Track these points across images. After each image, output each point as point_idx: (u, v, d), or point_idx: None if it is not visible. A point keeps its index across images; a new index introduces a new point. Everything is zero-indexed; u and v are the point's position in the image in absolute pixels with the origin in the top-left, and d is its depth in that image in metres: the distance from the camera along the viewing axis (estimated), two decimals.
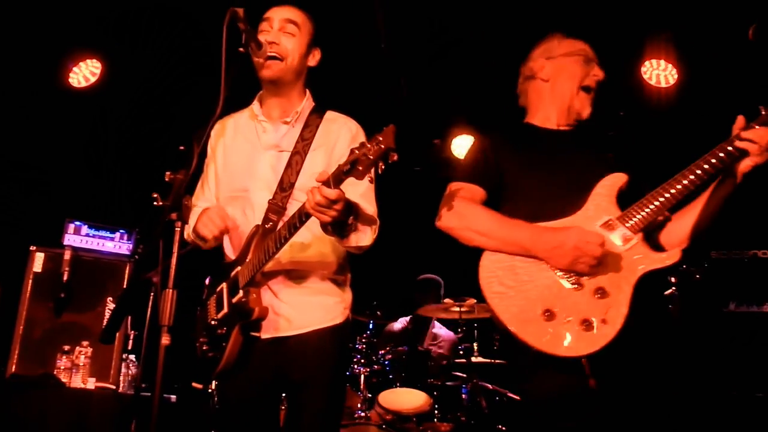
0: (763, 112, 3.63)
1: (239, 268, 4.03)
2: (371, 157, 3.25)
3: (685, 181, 3.64)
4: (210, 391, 7.37)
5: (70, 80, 9.11)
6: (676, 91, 9.11)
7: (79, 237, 7.69)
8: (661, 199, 3.65)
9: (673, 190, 3.65)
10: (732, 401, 6.89)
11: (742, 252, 7.08)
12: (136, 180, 9.15)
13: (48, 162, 9.25)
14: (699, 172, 3.63)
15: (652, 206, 3.64)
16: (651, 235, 3.78)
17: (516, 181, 4.00)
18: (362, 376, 7.36)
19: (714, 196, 3.78)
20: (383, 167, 3.28)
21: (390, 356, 7.73)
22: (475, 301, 7.94)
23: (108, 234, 7.84)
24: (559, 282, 3.57)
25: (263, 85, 4.31)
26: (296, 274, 4.10)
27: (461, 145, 10.44)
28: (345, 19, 8.56)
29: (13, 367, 7.06)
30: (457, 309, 8.11)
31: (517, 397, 7.51)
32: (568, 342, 3.41)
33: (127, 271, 7.69)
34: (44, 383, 6.75)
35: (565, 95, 4.21)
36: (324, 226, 3.72)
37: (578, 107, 4.20)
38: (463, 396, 7.59)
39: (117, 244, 7.86)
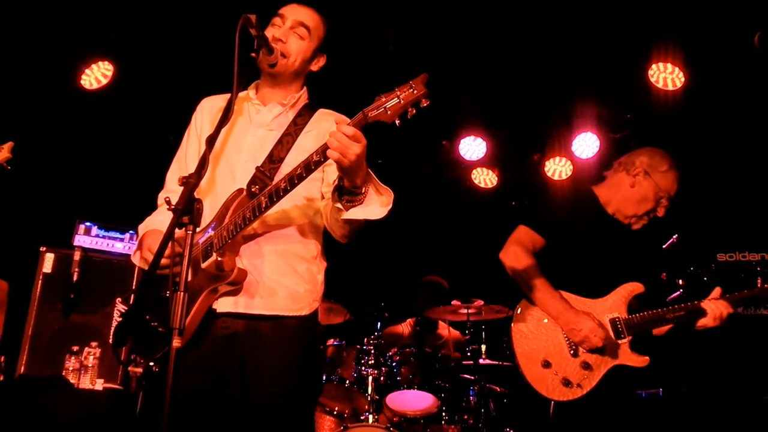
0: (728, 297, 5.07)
1: (212, 233, 3.94)
2: (403, 101, 3.37)
3: (671, 308, 5.02)
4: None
5: (82, 82, 9.09)
6: (683, 94, 9.11)
7: (89, 238, 7.70)
8: (654, 314, 5.01)
9: (661, 311, 5.02)
10: (738, 404, 6.90)
11: (749, 254, 7.08)
12: (146, 181, 9.15)
13: (58, 163, 9.24)
14: (679, 307, 5.01)
15: (646, 319, 5.02)
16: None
17: (570, 243, 5.21)
18: (370, 378, 7.35)
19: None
20: (414, 113, 3.41)
21: (398, 357, 7.73)
22: (483, 302, 7.94)
23: (118, 235, 7.85)
24: (563, 345, 5.02)
25: (262, 74, 4.35)
26: (274, 248, 4.08)
27: (469, 146, 10.46)
28: (353, 21, 8.59)
29: (22, 367, 7.06)
30: (465, 311, 8.12)
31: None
32: (549, 387, 4.92)
33: (136, 273, 7.68)
34: (53, 384, 6.74)
35: (632, 208, 5.36)
36: (337, 188, 3.74)
37: (634, 222, 5.40)
38: (471, 398, 7.60)
39: (127, 245, 7.87)
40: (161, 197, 4.43)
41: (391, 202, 3.79)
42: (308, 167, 3.63)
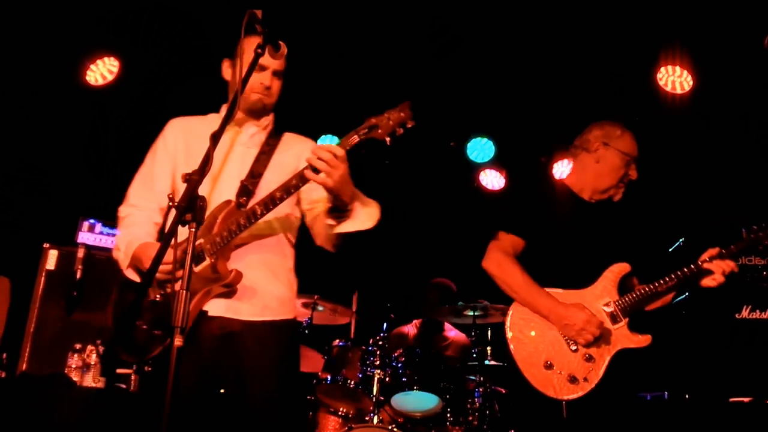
0: (732, 247, 4.97)
1: (201, 240, 4.14)
2: (392, 123, 3.86)
3: (661, 282, 4.96)
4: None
5: (87, 78, 9.08)
6: (691, 97, 9.09)
7: (93, 235, 7.67)
8: (645, 291, 4.97)
9: (652, 287, 4.96)
10: (743, 408, 6.87)
11: (755, 258, 7.06)
12: None
13: (62, 160, 9.23)
14: (669, 278, 4.95)
15: (638, 298, 4.96)
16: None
17: (550, 239, 5.14)
18: (375, 378, 7.30)
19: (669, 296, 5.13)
20: (401, 132, 3.89)
21: (403, 358, 7.68)
22: (488, 303, 7.91)
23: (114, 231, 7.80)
24: (561, 342, 4.89)
25: (242, 103, 4.58)
26: (261, 257, 4.39)
27: (478, 147, 10.44)
28: (359, 20, 8.59)
29: (24, 365, 7.02)
30: (471, 313, 8.09)
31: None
32: (556, 388, 4.78)
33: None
34: (55, 382, 6.70)
35: (605, 182, 5.34)
36: (331, 207, 4.11)
37: (613, 193, 5.36)
38: (476, 400, 7.55)
39: None
40: (123, 210, 4.66)
41: (377, 213, 4.24)
42: (302, 177, 3.97)
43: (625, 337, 4.90)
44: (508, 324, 5.05)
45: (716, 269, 4.87)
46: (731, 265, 4.89)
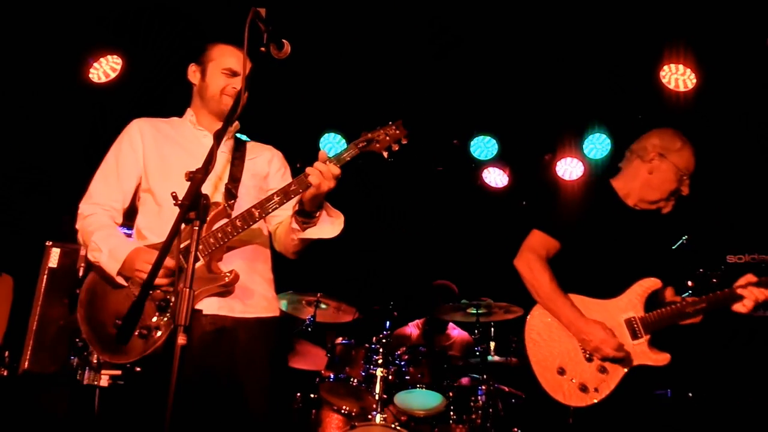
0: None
1: (188, 242, 4.02)
2: (388, 139, 4.17)
3: (689, 302, 4.87)
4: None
5: (90, 75, 9.09)
6: (694, 95, 9.08)
7: None
8: (670, 311, 4.85)
9: (679, 306, 4.86)
10: (747, 406, 6.88)
11: (758, 256, 7.05)
12: None
13: (65, 157, 9.22)
14: (700, 299, 4.86)
15: (662, 316, 4.86)
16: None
17: (586, 242, 5.07)
18: (378, 377, 7.29)
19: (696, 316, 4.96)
20: (396, 148, 4.19)
21: (407, 357, 7.67)
22: (491, 300, 7.91)
23: (126, 230, 7.77)
24: (577, 351, 4.88)
25: (205, 106, 4.71)
26: (246, 260, 4.50)
27: (480, 145, 10.44)
28: (361, 21, 8.59)
29: (26, 363, 7.00)
30: (474, 311, 8.08)
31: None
32: (566, 394, 4.81)
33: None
34: (57, 380, 6.69)
35: (654, 194, 5.16)
36: (298, 210, 4.29)
37: (662, 206, 5.18)
38: (479, 398, 7.55)
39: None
40: (86, 208, 4.59)
41: (342, 224, 4.43)
42: (303, 183, 4.12)
43: (643, 354, 4.81)
44: (528, 325, 5.08)
45: (749, 296, 4.76)
46: (767, 294, 4.76)
